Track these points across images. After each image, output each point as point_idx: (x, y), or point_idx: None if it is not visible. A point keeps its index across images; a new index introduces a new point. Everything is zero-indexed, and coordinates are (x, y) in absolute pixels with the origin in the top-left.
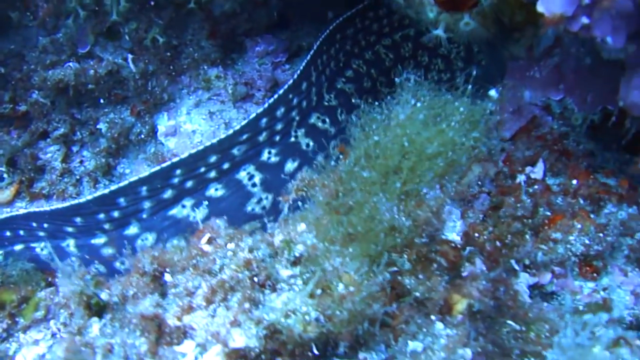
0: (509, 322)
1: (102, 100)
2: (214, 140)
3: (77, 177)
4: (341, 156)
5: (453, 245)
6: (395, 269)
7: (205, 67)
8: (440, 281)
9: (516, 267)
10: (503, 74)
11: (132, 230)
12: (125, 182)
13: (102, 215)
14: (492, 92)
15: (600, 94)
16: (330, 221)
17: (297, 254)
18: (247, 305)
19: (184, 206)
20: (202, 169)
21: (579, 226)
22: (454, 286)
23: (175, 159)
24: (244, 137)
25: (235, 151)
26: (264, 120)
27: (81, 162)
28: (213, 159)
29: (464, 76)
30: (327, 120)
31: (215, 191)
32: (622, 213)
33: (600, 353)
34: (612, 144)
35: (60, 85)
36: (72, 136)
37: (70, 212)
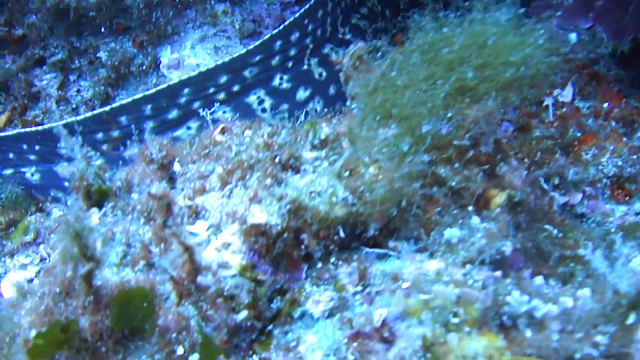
0: (547, 226)
1: (103, 29)
2: (226, 59)
3: (74, 105)
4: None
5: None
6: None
7: (212, 1)
8: (477, 172)
9: (545, 187)
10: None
11: (132, 152)
12: (129, 99)
13: (100, 135)
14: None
15: (632, 22)
16: (375, 99)
17: (322, 136)
18: (268, 181)
19: (189, 128)
20: (211, 90)
21: (611, 147)
22: (491, 179)
23: (184, 77)
24: (257, 58)
25: (246, 73)
26: (278, 42)
27: (78, 90)
28: (223, 79)
29: None
30: (341, 53)
31: (223, 114)
32: None
33: None
34: None
35: (60, 6)
36: (70, 64)
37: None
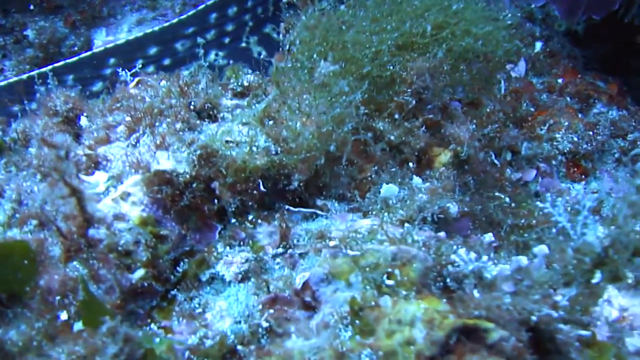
0: (497, 193)
1: (32, 7)
2: (155, 28)
3: None
4: None
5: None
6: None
7: None
8: (419, 125)
9: (496, 162)
10: None
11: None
12: (48, 67)
13: (17, 108)
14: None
15: (584, 1)
16: (314, 35)
17: (245, 83)
18: (179, 125)
19: None
20: (140, 62)
21: (566, 123)
22: (436, 137)
23: (109, 45)
24: (190, 30)
25: (178, 46)
26: (213, 15)
27: (1, 70)
28: (153, 50)
29: None
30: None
31: None
32: (612, 113)
33: None
34: (593, 60)
35: None
36: None
37: None
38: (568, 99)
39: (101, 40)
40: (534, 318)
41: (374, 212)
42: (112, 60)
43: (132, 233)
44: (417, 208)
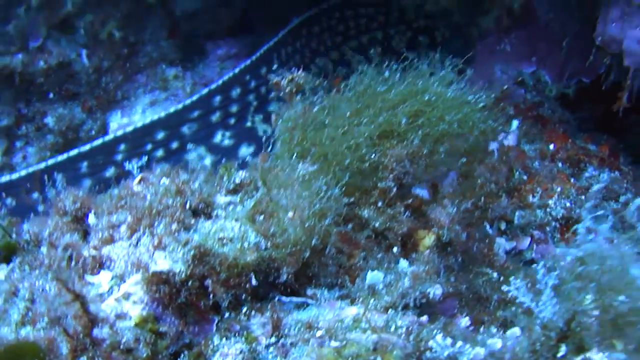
0: (485, 269)
1: (51, 95)
2: (162, 114)
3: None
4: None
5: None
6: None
7: (164, 66)
8: (403, 210)
9: (490, 232)
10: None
11: None
12: (64, 156)
13: (36, 195)
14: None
15: (573, 65)
16: (293, 136)
17: (237, 180)
18: (174, 226)
19: None
20: (149, 146)
21: (559, 189)
22: (419, 220)
23: (119, 132)
24: (195, 114)
25: (185, 129)
26: (218, 98)
27: (24, 157)
28: (161, 135)
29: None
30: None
31: None
32: (604, 176)
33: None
34: (588, 122)
35: (5, 72)
36: (17, 130)
37: None
38: (560, 164)
39: (117, 123)
40: None
41: (361, 299)
42: (122, 147)
43: (133, 331)
44: (400, 294)
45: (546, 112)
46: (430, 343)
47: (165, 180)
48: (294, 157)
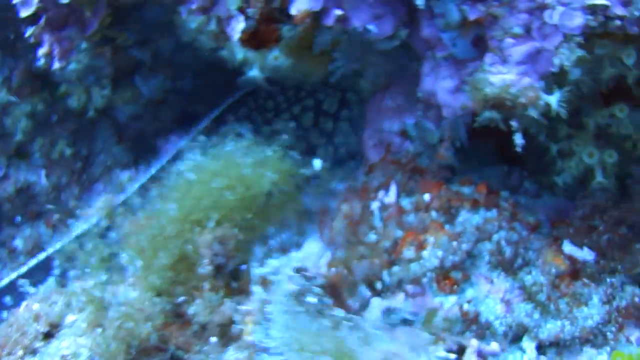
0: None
1: (19, 219)
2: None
3: None
4: None
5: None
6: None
7: (118, 171)
8: (222, 301)
9: (364, 294)
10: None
11: None
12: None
13: None
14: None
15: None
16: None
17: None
18: (20, 353)
19: None
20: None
21: (432, 239)
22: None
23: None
24: None
25: None
26: None
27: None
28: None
29: None
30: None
31: None
32: (476, 218)
33: None
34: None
35: None
36: None
37: None
38: (433, 213)
39: None
40: None
41: None
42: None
43: None
44: None
45: (425, 162)
46: None
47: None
48: None
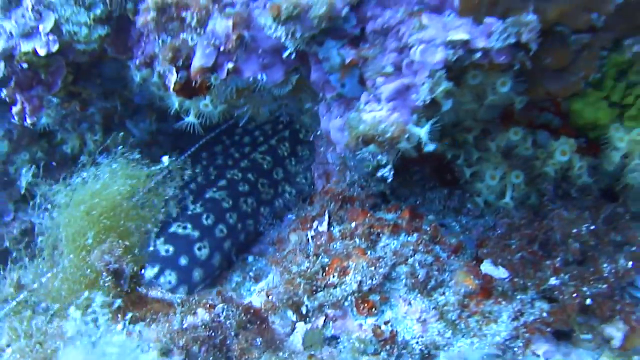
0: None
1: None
2: None
3: None
4: None
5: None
6: None
7: None
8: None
9: (292, 319)
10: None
11: None
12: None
13: None
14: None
15: None
16: None
17: None
18: None
19: None
20: None
21: (354, 265)
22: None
23: None
24: None
25: None
26: None
27: None
28: None
29: None
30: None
31: None
32: (395, 243)
33: None
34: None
35: None
36: None
37: None
38: (357, 240)
39: None
40: None
41: None
42: None
43: None
44: None
45: (356, 191)
46: None
47: None
48: None
